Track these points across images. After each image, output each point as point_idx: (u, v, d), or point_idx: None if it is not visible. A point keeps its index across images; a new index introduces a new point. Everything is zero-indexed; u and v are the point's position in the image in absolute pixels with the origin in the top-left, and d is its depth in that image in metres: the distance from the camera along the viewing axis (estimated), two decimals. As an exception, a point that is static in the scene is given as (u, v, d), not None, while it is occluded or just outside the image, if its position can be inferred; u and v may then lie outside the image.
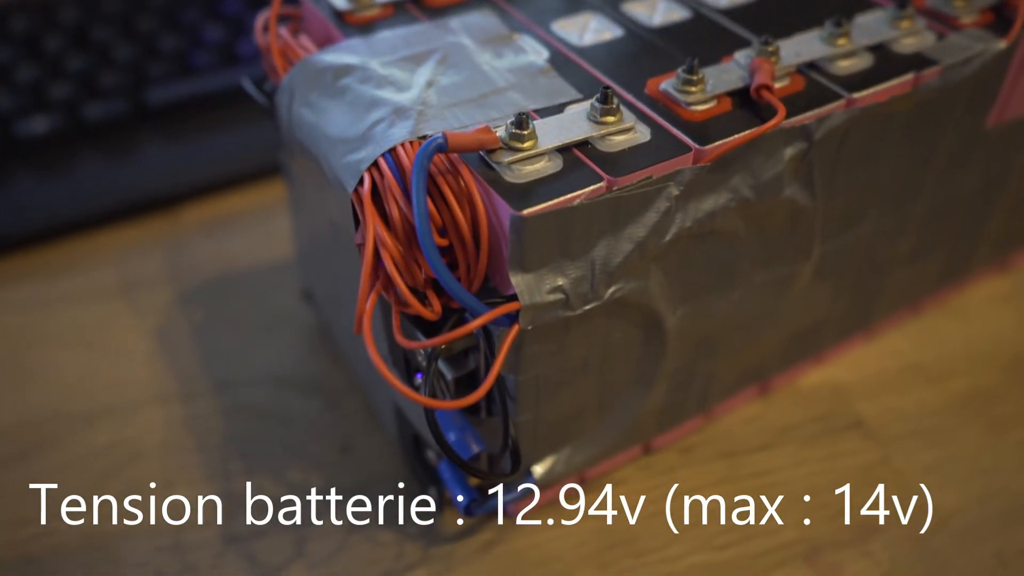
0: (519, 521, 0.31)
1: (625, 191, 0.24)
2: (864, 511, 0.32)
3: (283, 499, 0.32)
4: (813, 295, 0.32)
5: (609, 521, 0.31)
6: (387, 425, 0.33)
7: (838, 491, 0.32)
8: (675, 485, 0.33)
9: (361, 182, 0.24)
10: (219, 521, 0.31)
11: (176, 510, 0.32)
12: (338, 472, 0.33)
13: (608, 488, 0.32)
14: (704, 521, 0.31)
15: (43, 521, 0.31)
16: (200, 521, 0.31)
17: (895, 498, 0.32)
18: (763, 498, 0.32)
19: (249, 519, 0.31)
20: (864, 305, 0.35)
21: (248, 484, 0.33)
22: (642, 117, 0.26)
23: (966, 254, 0.37)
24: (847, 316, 0.35)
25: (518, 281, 0.24)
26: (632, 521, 0.31)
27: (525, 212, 0.23)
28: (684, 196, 0.25)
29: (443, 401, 0.24)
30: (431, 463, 0.30)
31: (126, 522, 0.31)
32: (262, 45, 0.30)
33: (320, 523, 0.31)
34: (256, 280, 0.40)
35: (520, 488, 0.29)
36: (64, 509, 0.32)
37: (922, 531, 0.31)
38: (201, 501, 0.32)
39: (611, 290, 0.25)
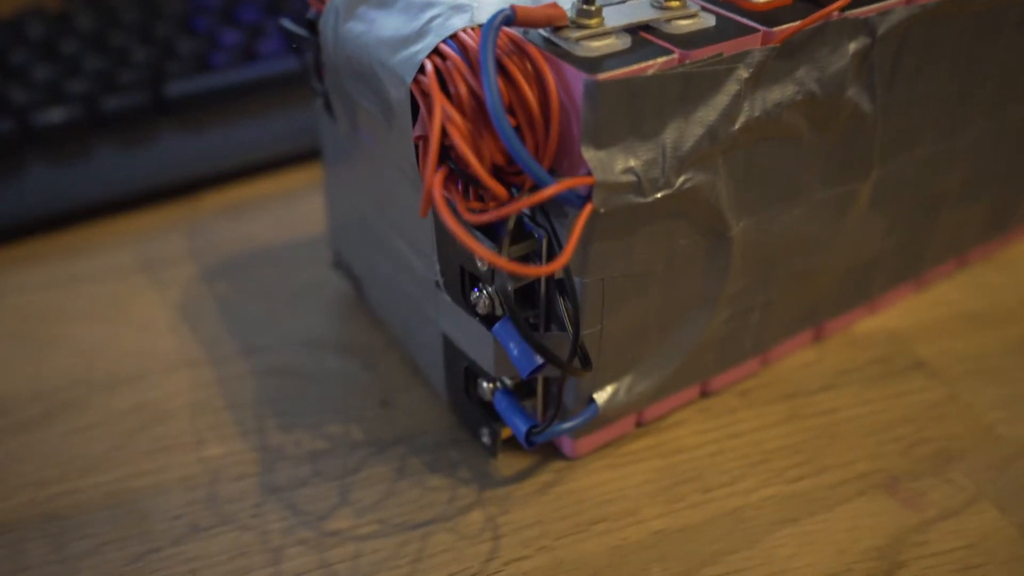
0: (578, 462, 0.30)
1: (696, 66, 0.23)
2: (939, 443, 0.30)
3: (323, 450, 0.30)
4: (868, 225, 0.32)
5: (672, 460, 0.30)
6: (432, 373, 0.31)
7: (909, 426, 0.31)
8: (737, 425, 0.31)
9: (422, 70, 0.24)
10: (256, 474, 0.29)
11: (208, 464, 0.30)
12: (379, 425, 0.31)
13: (668, 429, 0.31)
14: (772, 457, 0.30)
15: (65, 480, 0.29)
16: (235, 475, 0.29)
17: (966, 431, 0.31)
18: (831, 435, 0.30)
19: (288, 471, 0.29)
20: (915, 247, 0.34)
21: (285, 439, 0.31)
22: (704, 7, 0.26)
23: (1012, 201, 0.37)
24: (898, 258, 0.34)
25: (591, 156, 0.23)
26: (697, 459, 0.30)
27: (600, 76, 0.22)
28: (753, 81, 0.25)
29: (530, 267, 0.22)
30: (485, 397, 0.29)
31: (154, 478, 0.29)
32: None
33: (364, 473, 0.29)
34: (281, 255, 0.39)
35: (581, 416, 0.27)
36: (87, 467, 0.30)
37: (1003, 459, 0.30)
38: (235, 456, 0.30)
39: (681, 179, 0.24)
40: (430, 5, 0.25)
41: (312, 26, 0.30)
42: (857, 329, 0.35)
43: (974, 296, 0.37)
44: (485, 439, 0.29)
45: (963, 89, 0.31)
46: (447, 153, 0.24)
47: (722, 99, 0.24)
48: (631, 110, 0.23)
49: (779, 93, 0.25)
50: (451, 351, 0.29)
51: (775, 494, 0.29)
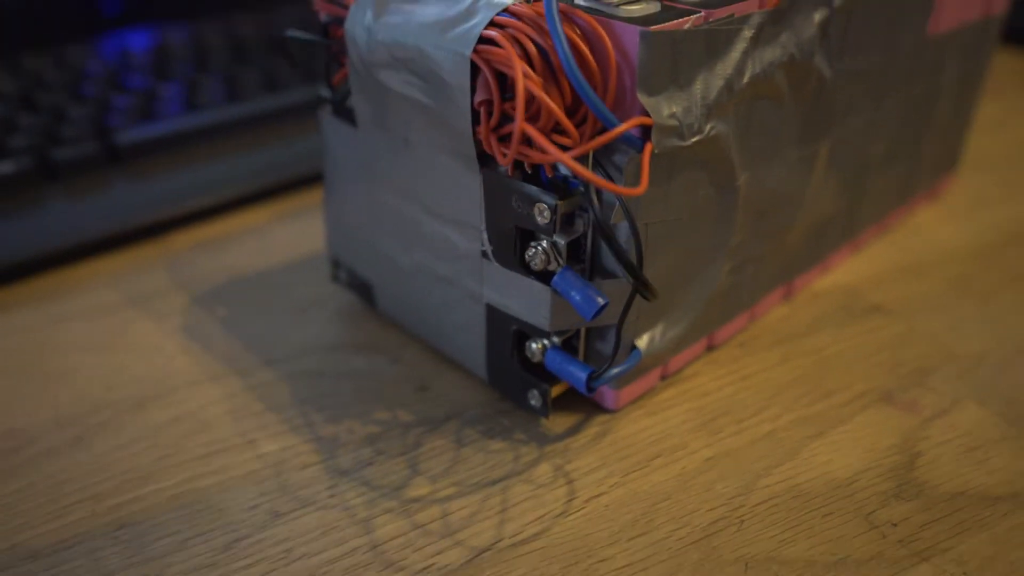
0: (620, 413, 0.32)
1: (716, 24, 0.27)
2: (913, 363, 0.35)
3: (377, 434, 0.31)
4: (825, 187, 0.36)
5: (700, 402, 0.33)
6: (468, 354, 0.33)
7: (884, 353, 0.35)
8: (745, 369, 0.34)
9: (481, 41, 0.26)
10: (319, 461, 0.30)
11: (267, 460, 0.30)
12: (424, 407, 0.32)
13: (688, 379, 0.34)
14: (783, 390, 0.33)
15: (123, 492, 0.29)
16: (299, 465, 0.30)
17: (932, 351, 0.35)
18: (825, 368, 0.34)
19: (350, 455, 0.30)
20: (854, 211, 0.40)
21: (337, 429, 0.31)
22: None
23: (915, 172, 0.43)
24: (844, 220, 0.39)
25: (647, 101, 0.26)
26: (721, 399, 0.33)
27: (653, 28, 0.25)
28: (754, 41, 0.29)
29: (623, 187, 0.25)
30: (534, 358, 0.31)
31: (216, 478, 0.29)
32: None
33: (425, 447, 0.30)
34: (269, 279, 0.40)
35: (629, 360, 0.30)
36: (142, 477, 0.29)
37: (967, 368, 0.34)
38: (292, 449, 0.30)
39: (708, 126, 0.28)
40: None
41: (325, 32, 0.32)
42: (815, 287, 0.39)
43: (900, 254, 0.42)
44: (534, 401, 0.31)
45: (885, 66, 0.37)
46: (505, 115, 0.27)
47: (734, 55, 0.28)
48: (672, 61, 0.26)
49: (771, 53, 0.30)
50: (496, 320, 0.31)
51: (797, 417, 0.32)
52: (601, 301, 0.28)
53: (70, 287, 0.39)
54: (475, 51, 0.26)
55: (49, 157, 0.42)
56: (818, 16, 0.31)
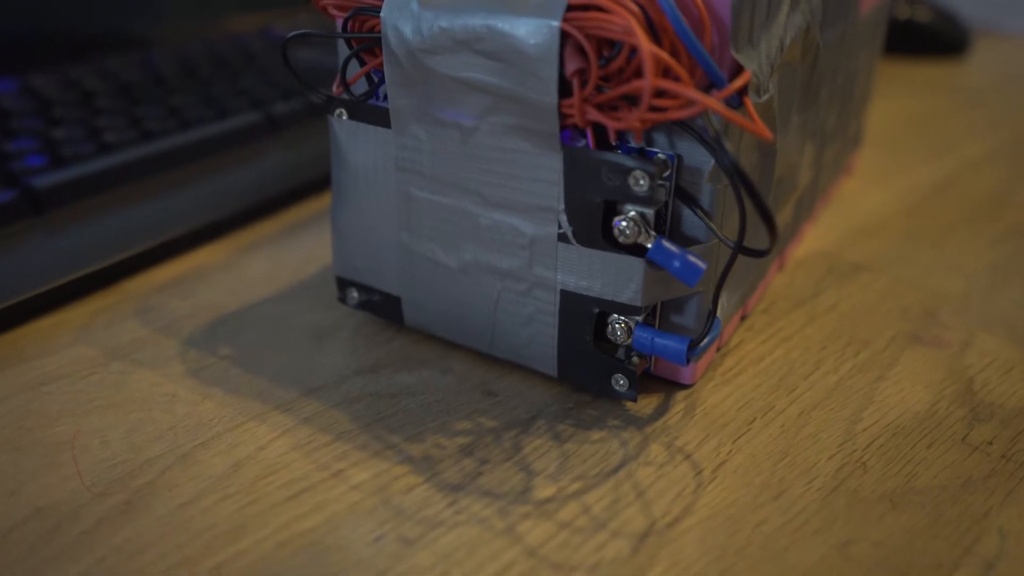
0: (697, 387, 0.32)
1: (773, -11, 0.28)
2: (916, 307, 0.37)
3: (469, 444, 0.29)
4: (806, 156, 0.38)
5: (760, 366, 0.33)
6: (532, 350, 0.31)
7: (888, 302, 0.37)
8: (783, 332, 0.35)
9: (570, 9, 0.26)
10: (424, 481, 0.27)
11: (365, 489, 0.27)
12: (502, 412, 0.30)
13: (737, 349, 0.34)
14: (826, 345, 0.34)
15: (217, 551, 0.24)
16: (404, 488, 0.27)
17: (924, 296, 0.38)
18: (850, 321, 0.36)
19: (453, 469, 0.28)
20: (817, 182, 0.42)
21: (423, 447, 0.28)
22: None
23: (845, 147, 0.47)
24: (812, 191, 0.41)
25: (742, 56, 0.26)
26: (777, 361, 0.33)
27: (743, -14, 0.26)
28: (792, 5, 0.30)
29: (752, 123, 0.24)
30: (619, 340, 0.30)
31: (318, 517, 0.26)
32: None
33: (526, 449, 0.29)
34: (262, 312, 0.36)
35: (715, 328, 0.30)
36: (232, 530, 0.25)
37: (960, 306, 0.37)
38: (387, 474, 0.27)
39: (770, 84, 0.29)
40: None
41: (344, 28, 0.30)
42: (798, 255, 0.41)
43: (848, 221, 0.45)
44: (619, 385, 0.30)
45: (841, 40, 0.39)
46: (602, 82, 0.26)
47: (781, 18, 0.29)
48: (750, 20, 0.27)
49: (798, 19, 0.31)
50: (573, 306, 0.30)
51: (851, 367, 0.33)
52: (703, 265, 0.28)
53: (34, 348, 0.33)
54: (564, 19, 0.26)
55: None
56: (818, -13, 0.33)
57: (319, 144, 0.49)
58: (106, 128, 0.45)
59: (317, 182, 0.47)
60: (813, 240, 0.43)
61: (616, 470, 0.28)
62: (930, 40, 0.74)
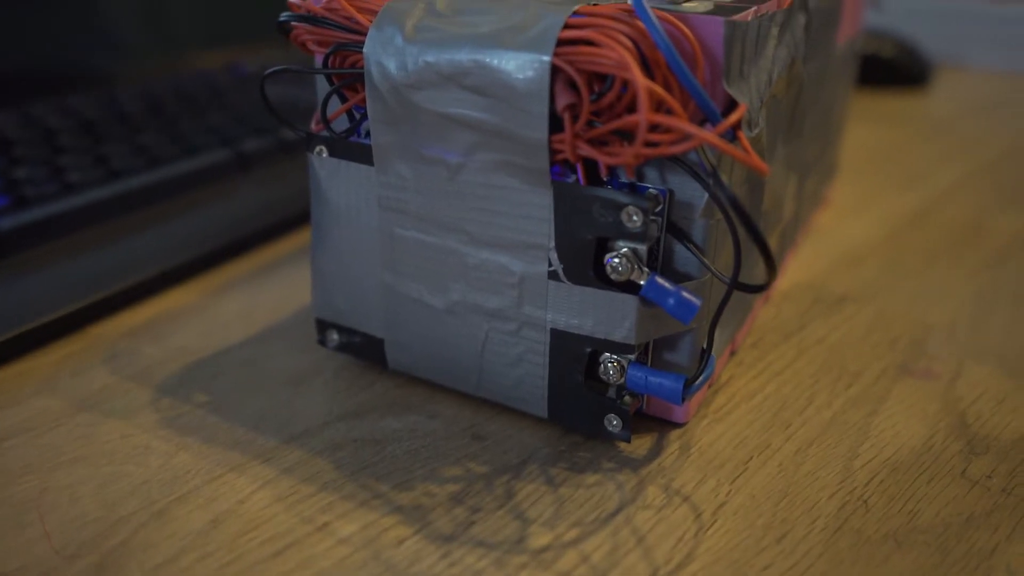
0: (689, 426, 0.31)
1: (762, 19, 0.28)
2: (904, 338, 0.37)
3: (459, 491, 0.27)
4: (789, 188, 0.38)
5: (753, 403, 0.32)
6: (521, 391, 0.30)
7: (876, 334, 0.37)
8: (772, 367, 0.35)
9: (561, 43, 0.25)
10: (414, 532, 0.26)
11: (353, 543, 0.25)
12: (492, 457, 0.29)
13: (728, 384, 0.33)
14: (817, 379, 0.34)
15: (197, 614, 0.23)
16: (393, 541, 0.26)
17: (910, 326, 0.38)
18: (837, 354, 0.36)
19: (444, 518, 0.26)
20: (799, 213, 0.42)
21: (411, 495, 0.27)
22: None
23: (823, 178, 0.47)
24: (794, 222, 0.41)
25: (734, 90, 0.26)
26: (769, 397, 0.33)
27: (736, 17, 0.25)
28: (778, 39, 0.30)
29: (752, 157, 0.24)
30: (612, 380, 0.29)
31: (305, 573, 0.24)
32: (315, 9, 0.29)
33: (519, 496, 0.27)
34: (238, 355, 0.35)
35: (709, 365, 0.29)
36: (214, 593, 0.24)
37: (947, 335, 0.37)
38: (375, 526, 0.26)
39: (760, 119, 0.29)
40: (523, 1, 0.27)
41: (324, 64, 0.29)
42: (782, 287, 0.41)
43: (829, 251, 0.45)
44: (612, 426, 0.29)
45: (821, 72, 0.39)
46: (593, 116, 0.25)
47: (769, 51, 0.29)
48: (741, 54, 0.27)
49: (783, 52, 0.31)
50: (564, 346, 0.29)
51: (844, 401, 0.33)
52: (698, 302, 0.27)
53: (-11, 401, 0.31)
54: (555, 54, 0.25)
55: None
56: (801, 20, 0.33)
57: (291, 182, 0.48)
58: (70, 167, 0.44)
59: (289, 220, 0.46)
60: (797, 271, 0.43)
61: (614, 515, 0.27)
62: (894, 73, 0.75)
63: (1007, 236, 0.47)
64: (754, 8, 0.28)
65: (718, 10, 0.27)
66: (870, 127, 0.66)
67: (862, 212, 0.50)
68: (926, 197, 0.52)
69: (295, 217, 0.46)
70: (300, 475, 0.28)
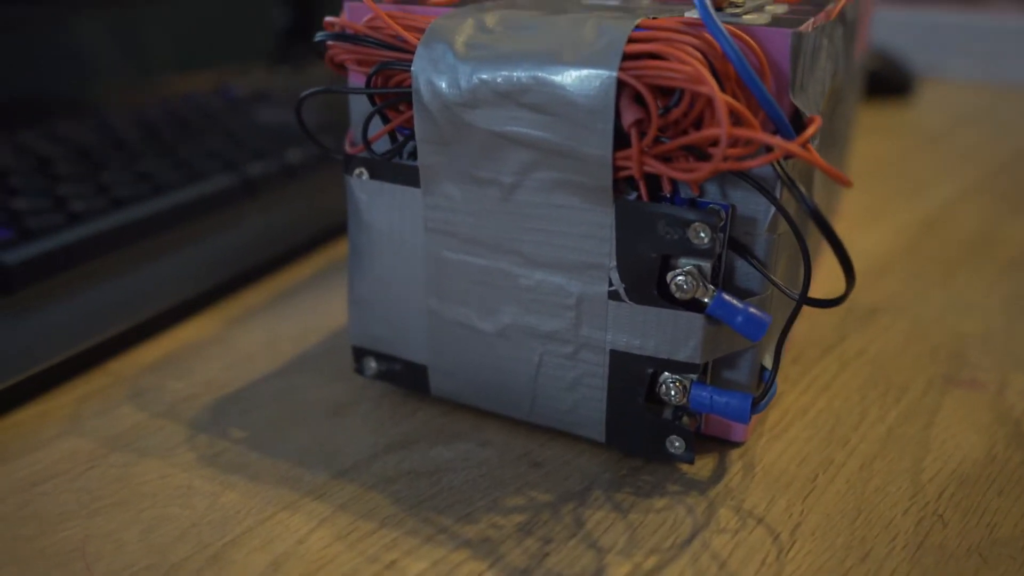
0: (749, 444, 0.30)
1: (817, 29, 0.27)
2: (943, 348, 0.37)
3: (526, 521, 0.26)
4: (825, 198, 0.38)
5: (807, 418, 0.32)
6: (578, 415, 0.29)
7: (916, 345, 0.37)
8: (818, 382, 0.34)
9: (626, 58, 0.24)
10: (488, 567, 0.25)
11: (426, 582, 0.24)
12: (553, 484, 0.28)
13: (777, 401, 0.33)
14: (865, 393, 0.33)
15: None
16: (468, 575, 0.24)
17: (947, 336, 0.38)
18: (880, 367, 0.35)
19: (516, 551, 0.25)
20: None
21: (477, 527, 0.26)
22: None
23: (837, 191, 0.46)
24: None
25: (799, 101, 0.25)
26: (822, 412, 0.32)
27: (800, 28, 0.25)
28: (829, 49, 0.29)
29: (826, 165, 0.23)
30: (675, 400, 0.28)
31: (380, 618, 0.23)
32: (357, 29, 0.28)
33: (589, 524, 0.26)
34: (270, 387, 0.33)
35: (773, 383, 0.28)
36: (287, 643, 0.22)
37: (986, 344, 0.37)
38: (447, 563, 0.25)
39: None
40: (584, 11, 0.26)
41: (368, 84, 0.28)
42: (812, 300, 0.41)
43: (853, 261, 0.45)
44: (675, 448, 0.28)
45: (844, 85, 0.39)
46: (661, 132, 0.25)
47: (822, 62, 0.29)
48: (803, 64, 0.26)
49: (830, 64, 0.31)
50: (624, 367, 0.28)
51: (896, 415, 0.32)
52: (768, 319, 0.27)
53: (18, 443, 0.30)
54: (620, 68, 0.24)
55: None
56: (839, 31, 0.33)
57: (298, 206, 0.46)
58: (72, 196, 0.42)
59: (301, 246, 0.44)
60: (823, 283, 0.42)
61: (690, 540, 0.26)
62: (879, 84, 0.76)
63: (1019, 245, 0.47)
64: (811, 19, 0.27)
65: (778, 21, 0.26)
66: (865, 138, 0.66)
67: (873, 223, 0.50)
68: (934, 207, 0.53)
69: (307, 242, 0.45)
70: (357, 511, 0.27)
